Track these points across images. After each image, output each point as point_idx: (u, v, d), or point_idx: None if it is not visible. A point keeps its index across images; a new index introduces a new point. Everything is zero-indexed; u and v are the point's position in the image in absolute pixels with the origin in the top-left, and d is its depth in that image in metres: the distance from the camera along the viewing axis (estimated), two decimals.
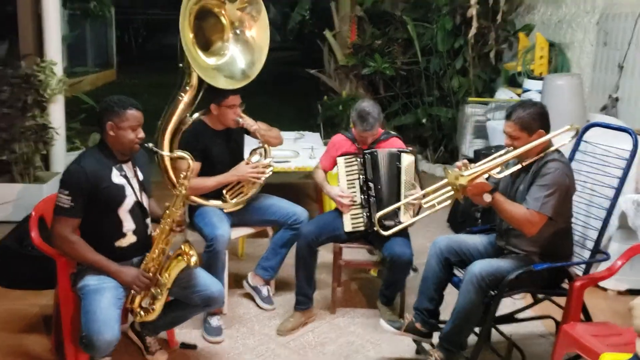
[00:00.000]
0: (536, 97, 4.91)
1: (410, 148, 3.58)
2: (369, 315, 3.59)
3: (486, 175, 2.72)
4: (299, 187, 5.91)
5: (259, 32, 3.56)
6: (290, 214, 3.56)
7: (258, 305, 3.61)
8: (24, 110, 5.00)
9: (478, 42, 6.43)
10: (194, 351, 3.17)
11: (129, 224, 2.79)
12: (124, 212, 2.76)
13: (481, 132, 6.01)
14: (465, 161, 2.75)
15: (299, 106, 8.31)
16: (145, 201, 2.87)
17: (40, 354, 3.10)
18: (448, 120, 6.72)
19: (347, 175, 3.47)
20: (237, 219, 3.59)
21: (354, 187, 3.45)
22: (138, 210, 2.82)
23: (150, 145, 2.82)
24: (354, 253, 3.89)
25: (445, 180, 2.78)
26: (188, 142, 3.42)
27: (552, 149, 2.74)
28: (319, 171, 3.64)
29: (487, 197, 2.67)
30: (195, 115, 3.56)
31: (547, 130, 2.74)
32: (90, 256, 2.70)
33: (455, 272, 3.05)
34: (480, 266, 2.70)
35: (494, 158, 2.77)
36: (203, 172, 3.46)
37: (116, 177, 2.75)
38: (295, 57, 15.94)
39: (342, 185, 3.47)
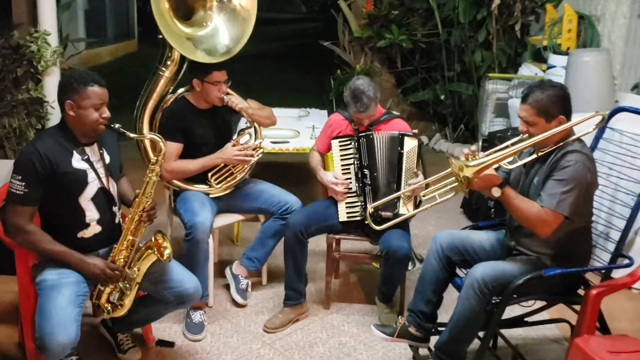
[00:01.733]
0: (561, 74, 4.49)
1: (416, 131, 3.24)
2: (366, 312, 3.29)
3: (496, 166, 2.38)
4: (304, 169, 5.60)
5: (247, 0, 3.21)
6: (282, 202, 3.26)
7: (230, 297, 3.33)
8: (16, 83, 4.76)
9: (503, 13, 5.97)
10: (170, 349, 2.92)
11: (92, 213, 2.52)
12: (85, 201, 2.49)
13: (503, 110, 5.60)
14: (473, 148, 2.40)
15: (314, 80, 7.95)
16: (112, 187, 2.59)
17: (5, 345, 2.88)
18: (469, 97, 6.31)
19: (341, 160, 3.15)
20: (224, 205, 3.30)
21: (349, 173, 3.13)
22: (103, 198, 2.55)
23: (117, 125, 2.52)
24: (356, 243, 3.59)
25: (449, 170, 2.44)
26: (168, 121, 3.14)
27: (573, 137, 2.38)
28: (315, 153, 3.33)
29: (496, 192, 2.33)
30: (180, 90, 3.26)
31: (569, 117, 2.38)
32: (49, 247, 2.43)
33: (458, 271, 2.73)
34: (482, 270, 2.37)
35: (506, 146, 2.41)
36: (187, 154, 3.17)
37: (77, 162, 2.47)
38: (318, 29, 15.51)
39: (337, 170, 3.16)
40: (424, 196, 2.66)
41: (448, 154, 6.46)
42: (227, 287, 3.39)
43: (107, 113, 2.48)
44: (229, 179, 3.24)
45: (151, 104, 3.18)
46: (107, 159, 2.58)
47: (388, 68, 6.77)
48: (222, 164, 3.21)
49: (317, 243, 3.40)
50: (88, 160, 2.50)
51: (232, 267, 3.39)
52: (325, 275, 3.30)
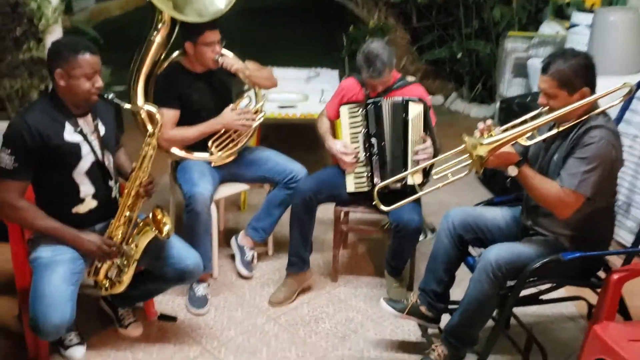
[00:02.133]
0: (585, 33, 4.24)
1: (430, 97, 3.06)
2: (374, 285, 3.19)
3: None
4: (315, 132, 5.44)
5: None
6: (287, 171, 3.13)
7: (236, 268, 3.24)
8: (17, 43, 4.60)
9: None
10: (172, 324, 2.85)
11: (86, 188, 2.41)
12: (80, 175, 2.38)
13: (522, 70, 5.36)
14: (489, 122, 2.23)
15: (325, 37, 7.67)
16: (107, 160, 2.47)
17: (4, 318, 2.82)
18: (487, 55, 6.06)
19: (350, 128, 2.99)
20: (227, 173, 3.18)
21: (357, 142, 2.98)
22: (98, 172, 2.43)
23: (111, 96, 2.38)
24: (365, 213, 3.46)
25: (462, 147, 2.27)
26: (162, 87, 2.99)
27: (597, 111, 2.20)
28: (324, 119, 3.17)
29: (513, 170, 2.17)
30: (175, 55, 3.10)
31: (593, 88, 2.19)
32: (42, 223, 2.33)
33: (471, 250, 2.60)
34: (496, 252, 2.24)
35: (524, 121, 2.24)
36: (185, 121, 3.03)
37: (69, 134, 2.34)
38: None
39: (346, 139, 3.00)
40: (435, 175, 2.50)
41: (464, 114, 6.28)
42: (233, 257, 3.30)
43: (99, 82, 2.34)
44: (230, 145, 3.10)
45: (144, 71, 3.02)
46: (102, 130, 2.45)
47: (403, 24, 6.51)
48: (222, 130, 3.07)
49: (326, 212, 3.28)
50: (81, 132, 2.37)
51: (237, 237, 3.29)
52: (332, 247, 3.18)
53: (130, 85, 3.08)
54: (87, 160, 2.38)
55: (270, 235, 3.36)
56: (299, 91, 4.16)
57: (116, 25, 8.41)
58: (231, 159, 3.14)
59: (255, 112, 3.12)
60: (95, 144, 2.41)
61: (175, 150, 3.05)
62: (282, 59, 5.89)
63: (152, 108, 2.44)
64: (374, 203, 2.50)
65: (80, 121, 2.38)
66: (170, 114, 2.98)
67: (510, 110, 4.07)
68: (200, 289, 2.97)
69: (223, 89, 3.15)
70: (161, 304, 2.98)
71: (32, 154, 2.26)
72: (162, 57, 3.09)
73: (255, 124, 3.11)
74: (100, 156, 2.42)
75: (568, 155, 2.19)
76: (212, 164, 3.11)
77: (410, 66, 6.49)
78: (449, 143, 2.65)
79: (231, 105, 3.08)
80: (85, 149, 2.37)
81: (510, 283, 2.29)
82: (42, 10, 4.68)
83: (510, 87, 5.44)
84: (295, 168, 3.14)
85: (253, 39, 9.32)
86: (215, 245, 3.15)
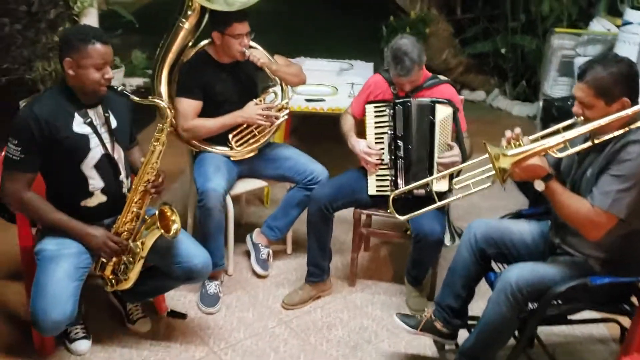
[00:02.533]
0: (637, 32, 3.97)
1: (462, 97, 2.89)
2: (393, 292, 3.06)
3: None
4: None
5: None
6: (307, 171, 3.02)
7: (251, 266, 3.16)
8: (52, 25, 4.60)
9: None
10: (181, 322, 2.78)
11: (95, 182, 2.35)
12: (88, 168, 2.31)
13: (568, 69, 5.09)
14: (517, 131, 2.07)
15: (365, 27, 7.48)
16: (118, 154, 2.40)
17: (13, 305, 2.80)
18: (533, 51, 5.79)
19: (375, 128, 2.86)
20: (247, 168, 3.09)
21: (382, 143, 2.84)
22: (108, 165, 2.36)
23: (120, 87, 2.31)
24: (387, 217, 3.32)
25: (485, 156, 2.11)
26: (186, 77, 2.92)
27: (637, 124, 2.00)
28: (348, 117, 3.03)
29: (539, 185, 2.01)
30: (203, 43, 3.01)
31: (634, 99, 2.00)
32: (49, 216, 2.29)
33: (494, 265, 2.44)
34: (518, 272, 2.08)
35: (557, 131, 2.07)
36: (208, 112, 2.94)
37: (78, 126, 2.28)
38: None
39: (370, 138, 2.87)
40: (456, 184, 2.35)
41: (505, 111, 6.03)
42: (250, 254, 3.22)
43: (110, 74, 2.26)
44: (251, 141, 3.01)
45: (170, 58, 2.96)
46: (114, 123, 2.38)
47: (447, 15, 6.27)
48: (245, 125, 2.97)
49: (349, 212, 3.15)
50: (91, 124, 2.30)
51: (252, 234, 3.20)
52: (351, 251, 3.06)
53: (154, 72, 3.02)
54: (95, 152, 2.31)
55: (289, 233, 3.26)
56: (329, 84, 4.02)
57: (158, 9, 8.35)
58: (251, 154, 3.05)
59: (280, 109, 3.02)
60: (106, 137, 2.35)
61: (195, 142, 2.97)
62: (318, 49, 5.76)
63: (162, 102, 2.35)
64: (388, 211, 2.36)
65: (91, 112, 2.32)
66: (192, 104, 2.90)
67: (550, 114, 3.85)
68: (212, 287, 2.90)
69: (249, 81, 3.05)
70: (173, 299, 2.92)
71: (39, 145, 2.21)
72: (190, 44, 3.02)
73: (279, 121, 3.01)
74: (110, 149, 2.35)
75: (602, 171, 2.01)
76: (232, 158, 3.02)
77: (452, 59, 6.26)
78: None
79: (255, 100, 2.98)
80: (94, 141, 2.31)
81: (532, 305, 2.13)
82: None
83: (555, 86, 5.19)
84: (316, 169, 3.03)
85: (293, 27, 9.21)
86: (231, 241, 3.08)
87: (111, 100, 2.39)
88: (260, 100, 3.00)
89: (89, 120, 2.30)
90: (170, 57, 2.95)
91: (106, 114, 2.36)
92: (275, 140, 3.36)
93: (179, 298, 2.94)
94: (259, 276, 3.12)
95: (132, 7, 6.43)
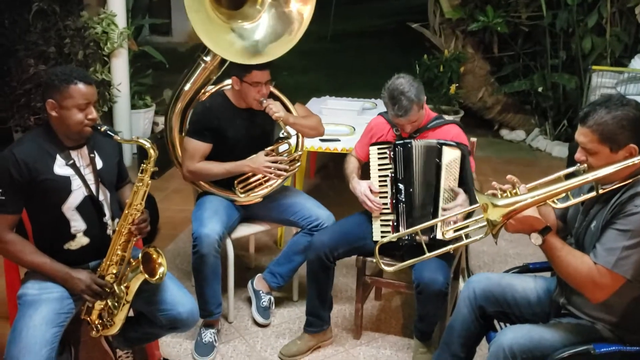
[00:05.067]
0: None
1: (474, 140, 2.71)
2: (401, 347, 2.86)
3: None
4: None
5: (302, 7, 2.82)
6: (312, 217, 2.89)
7: (252, 314, 3.02)
8: (83, 66, 4.68)
9: None
10: None
11: (77, 224, 2.28)
12: (69, 210, 2.25)
13: None
14: (512, 178, 1.89)
15: (402, 64, 7.39)
16: (103, 195, 2.34)
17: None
18: (573, 89, 5.53)
19: (379, 170, 2.72)
20: (249, 212, 2.99)
21: (386, 186, 2.69)
22: (91, 207, 2.30)
23: (104, 128, 2.25)
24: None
25: (477, 205, 1.94)
26: (199, 118, 2.86)
27: None
28: (352, 159, 2.91)
29: (536, 239, 1.82)
30: (224, 84, 2.97)
31: None
32: (30, 259, 2.23)
33: (497, 324, 2.23)
34: (512, 337, 1.87)
35: (558, 178, 1.88)
36: (217, 155, 2.87)
37: (60, 168, 2.23)
38: (419, 6, 14.64)
39: (374, 181, 2.72)
40: (446, 232, 2.17)
41: (546, 152, 5.76)
42: None
43: (93, 114, 2.21)
44: (256, 189, 2.91)
45: (186, 94, 2.95)
46: (99, 164, 2.33)
47: (483, 53, 6.10)
48: (250, 173, 2.88)
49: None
50: (73, 166, 2.25)
51: (254, 280, 3.08)
52: (355, 302, 2.88)
53: (169, 106, 3.00)
54: (77, 194, 2.26)
55: (296, 279, 3.13)
56: (348, 123, 3.91)
57: (188, 50, 8.48)
58: (255, 202, 2.94)
59: (292, 161, 2.92)
60: (90, 178, 2.29)
61: (201, 183, 2.91)
62: (354, 86, 5.63)
63: (146, 142, 2.28)
64: (374, 260, 2.20)
65: (74, 154, 2.27)
66: (201, 147, 2.84)
67: (572, 156, 3.59)
68: (208, 335, 2.78)
69: (263, 129, 2.96)
70: (168, 346, 2.82)
71: (20, 187, 2.17)
72: (212, 81, 3.00)
73: (288, 174, 2.91)
74: (94, 191, 2.30)
75: (607, 225, 1.80)
76: (236, 203, 2.93)
77: (488, 98, 6.06)
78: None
79: (266, 150, 2.89)
80: (75, 183, 2.25)
81: None
82: (108, 34, 4.78)
83: None
84: (322, 215, 2.90)
85: (336, 65, 9.23)
86: (231, 286, 2.96)
87: (97, 141, 2.34)
88: (272, 150, 2.90)
89: (71, 162, 2.25)
90: (188, 93, 2.93)
91: (92, 155, 2.31)
92: (286, 184, 3.26)
93: (174, 345, 2.84)
94: (259, 325, 2.98)
95: (163, 47, 6.55)
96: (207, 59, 2.90)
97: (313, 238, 2.75)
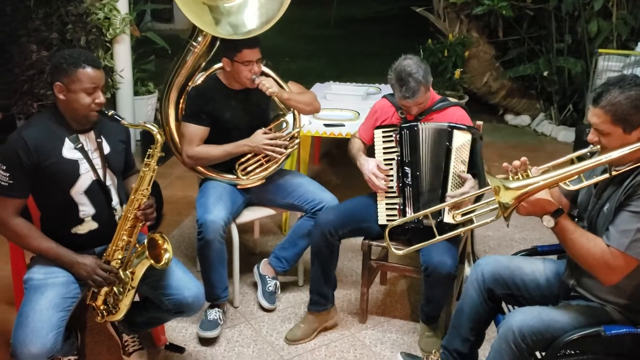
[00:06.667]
0: None
1: (480, 123, 2.70)
2: (407, 331, 2.86)
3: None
4: None
5: None
6: (316, 200, 2.88)
7: (257, 299, 3.02)
8: None
9: None
10: (179, 355, 2.67)
11: (86, 208, 2.27)
12: (78, 194, 2.24)
13: None
14: (524, 159, 1.87)
15: (403, 50, 7.34)
16: (111, 180, 2.33)
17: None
18: (579, 73, 5.49)
19: (384, 154, 2.70)
20: (254, 197, 2.98)
21: (391, 169, 2.68)
22: (99, 192, 2.29)
23: (111, 112, 2.24)
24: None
25: (489, 187, 1.92)
26: (194, 102, 2.85)
27: None
28: (356, 140, 2.89)
29: (548, 222, 1.80)
30: (215, 67, 2.94)
31: None
32: (37, 244, 2.22)
33: (505, 307, 2.22)
34: (521, 318, 1.87)
35: (570, 160, 1.86)
36: (215, 139, 2.86)
37: (68, 151, 2.21)
38: None
39: (379, 165, 2.71)
40: (456, 216, 2.15)
41: (551, 137, 5.73)
42: None
43: (100, 98, 2.20)
44: (258, 170, 2.89)
45: (179, 81, 2.92)
46: (107, 149, 2.31)
47: (488, 37, 6.05)
48: (250, 153, 2.86)
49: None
50: (82, 150, 2.24)
51: (259, 265, 3.07)
52: (361, 285, 2.88)
53: (163, 94, 2.97)
54: (85, 178, 2.24)
55: (301, 264, 3.12)
56: (352, 108, 3.89)
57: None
58: (258, 183, 2.93)
59: (291, 138, 2.90)
60: (97, 162, 2.28)
61: (201, 168, 2.89)
62: (359, 72, 5.56)
63: (153, 127, 2.27)
64: (385, 244, 2.18)
65: (82, 137, 2.25)
66: (198, 131, 2.83)
67: (581, 142, 3.59)
68: (213, 313, 2.79)
69: (259, 109, 2.95)
70: (174, 331, 2.82)
71: (28, 170, 2.16)
72: (202, 67, 2.96)
73: (288, 151, 2.89)
74: (101, 175, 2.28)
75: (620, 207, 1.78)
76: (238, 187, 2.92)
77: (493, 83, 6.02)
78: None
79: (264, 129, 2.87)
80: (84, 167, 2.24)
81: (540, 355, 1.90)
82: (110, 20, 4.74)
83: None
84: (326, 198, 2.88)
85: (340, 50, 9.17)
86: (237, 272, 2.96)
87: (105, 126, 2.32)
88: (270, 129, 2.89)
89: (79, 145, 2.23)
90: (180, 80, 2.90)
91: (99, 140, 2.30)
92: (289, 167, 3.25)
93: (180, 330, 2.83)
94: (265, 310, 2.98)
95: (165, 34, 6.50)
96: (196, 43, 2.87)
97: (318, 216, 2.74)
